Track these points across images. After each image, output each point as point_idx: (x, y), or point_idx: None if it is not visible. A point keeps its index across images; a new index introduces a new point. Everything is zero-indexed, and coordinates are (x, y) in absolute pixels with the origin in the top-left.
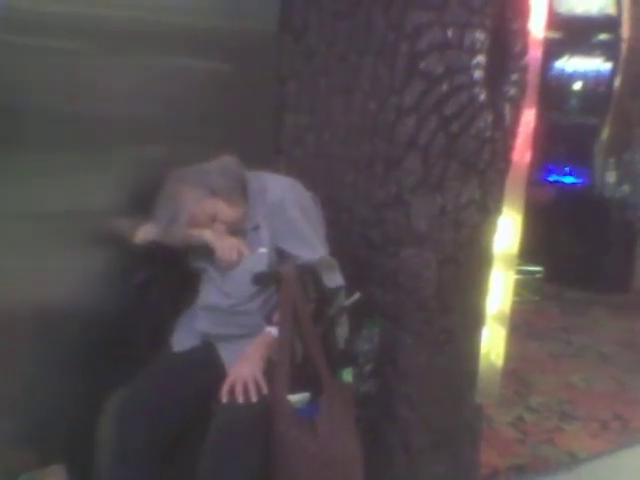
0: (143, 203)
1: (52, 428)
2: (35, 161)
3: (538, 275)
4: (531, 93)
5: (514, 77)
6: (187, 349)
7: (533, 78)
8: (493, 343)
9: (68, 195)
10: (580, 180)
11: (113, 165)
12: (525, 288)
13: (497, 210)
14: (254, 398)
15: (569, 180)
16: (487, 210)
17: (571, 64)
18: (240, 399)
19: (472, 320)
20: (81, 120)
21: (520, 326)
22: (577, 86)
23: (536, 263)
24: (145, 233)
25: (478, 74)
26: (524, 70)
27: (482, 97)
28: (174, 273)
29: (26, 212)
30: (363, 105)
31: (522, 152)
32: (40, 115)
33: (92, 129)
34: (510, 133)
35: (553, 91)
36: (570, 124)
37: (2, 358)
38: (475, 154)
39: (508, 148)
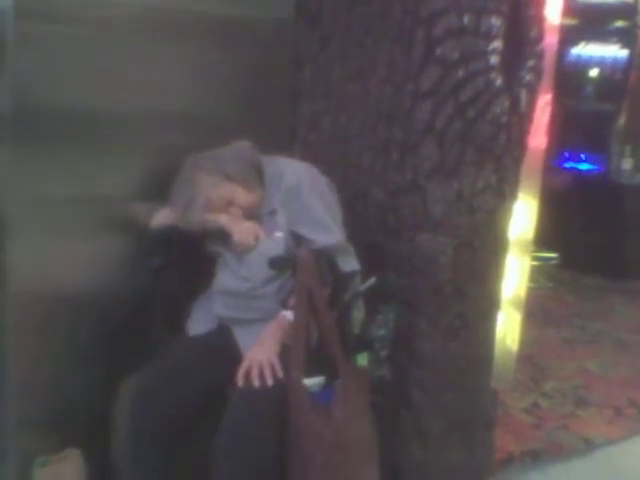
0: (160, 189)
1: (69, 412)
2: (53, 147)
3: (553, 261)
4: (547, 79)
5: (530, 63)
6: (203, 333)
7: (549, 64)
8: (508, 328)
9: (84, 180)
10: (596, 167)
11: (131, 151)
12: (540, 274)
13: (513, 195)
14: (270, 382)
15: (585, 167)
16: (503, 195)
17: (587, 51)
18: (256, 383)
19: (487, 305)
20: (99, 108)
21: (535, 312)
22: (593, 73)
23: (551, 249)
24: (162, 218)
25: (494, 60)
26: (540, 56)
27: (498, 82)
28: (190, 258)
29: (42, 197)
30: (379, 91)
31: (538, 138)
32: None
33: (110, 116)
34: (526, 118)
35: (569, 78)
36: (586, 111)
37: (18, 343)
38: (491, 139)
39: (524, 133)
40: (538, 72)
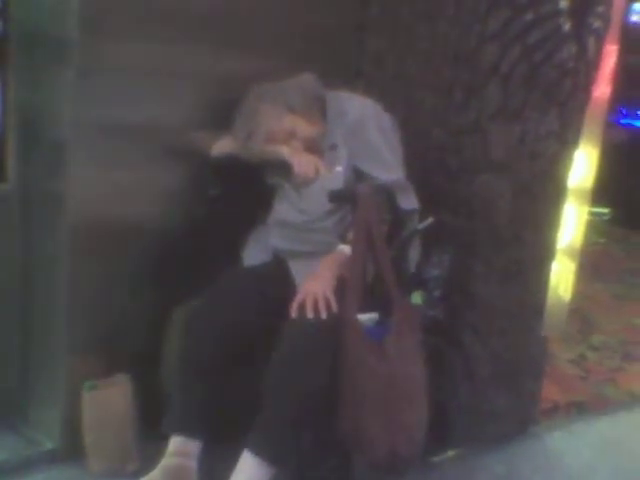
0: (222, 118)
1: (119, 338)
2: (116, 74)
3: (605, 217)
4: (614, 29)
5: (599, 9)
6: (258, 264)
7: (617, 14)
8: (562, 277)
9: (146, 108)
10: None
11: (194, 80)
12: (592, 229)
13: (575, 143)
14: (324, 315)
15: None
16: (565, 142)
17: None
18: (310, 315)
19: (543, 252)
20: (164, 37)
21: (585, 267)
22: None
23: (604, 205)
24: (222, 147)
25: (563, 4)
26: (610, 3)
27: (566, 27)
28: (249, 188)
29: (103, 123)
30: (446, 31)
31: (602, 87)
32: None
33: (174, 45)
34: (593, 66)
35: (632, 33)
36: None
37: (72, 268)
38: (556, 85)
39: (590, 81)
40: (606, 19)
